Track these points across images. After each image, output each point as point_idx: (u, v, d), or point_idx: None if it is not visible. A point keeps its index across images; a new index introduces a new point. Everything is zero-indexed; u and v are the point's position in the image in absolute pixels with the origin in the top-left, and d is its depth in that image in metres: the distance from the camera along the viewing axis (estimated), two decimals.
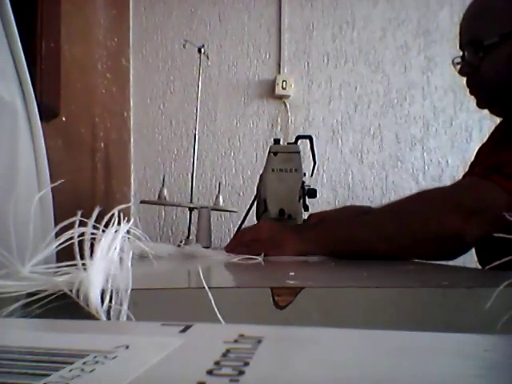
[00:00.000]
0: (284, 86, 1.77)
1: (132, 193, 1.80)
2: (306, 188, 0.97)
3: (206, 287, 0.27)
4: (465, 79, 0.86)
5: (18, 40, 0.72)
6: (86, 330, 0.20)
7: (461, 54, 0.85)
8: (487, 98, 0.84)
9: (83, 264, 0.26)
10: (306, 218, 1.03)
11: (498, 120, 0.89)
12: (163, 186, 1.35)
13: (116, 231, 0.29)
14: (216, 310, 0.25)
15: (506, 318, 0.24)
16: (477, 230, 0.68)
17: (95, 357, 0.15)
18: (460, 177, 0.91)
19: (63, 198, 0.82)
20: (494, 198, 0.68)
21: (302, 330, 0.20)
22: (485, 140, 0.92)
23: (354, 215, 0.87)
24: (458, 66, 0.85)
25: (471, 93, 0.86)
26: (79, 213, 0.28)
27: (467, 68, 0.83)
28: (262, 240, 0.78)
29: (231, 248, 0.79)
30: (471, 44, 0.81)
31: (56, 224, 0.30)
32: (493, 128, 0.91)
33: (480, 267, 0.85)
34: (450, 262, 0.81)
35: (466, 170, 0.94)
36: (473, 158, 0.94)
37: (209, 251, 0.69)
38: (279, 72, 1.81)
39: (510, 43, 0.77)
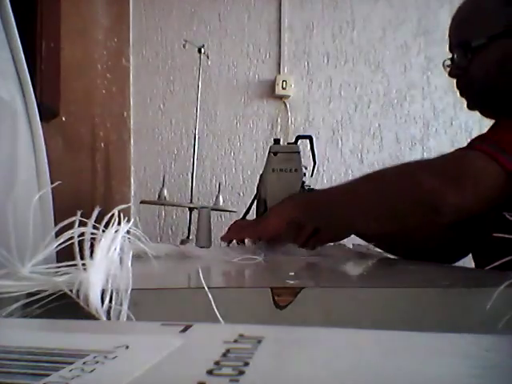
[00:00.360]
0: (284, 86, 1.77)
1: (132, 193, 1.80)
2: (306, 188, 0.97)
3: (206, 287, 0.27)
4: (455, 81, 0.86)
5: (18, 40, 0.72)
6: (86, 330, 0.20)
7: (451, 56, 0.85)
8: (477, 99, 0.84)
9: (83, 264, 0.26)
10: None
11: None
12: (163, 186, 1.35)
13: (116, 231, 0.29)
14: (216, 310, 0.25)
15: (506, 318, 0.24)
16: (458, 196, 0.64)
17: (95, 357, 0.15)
18: None
19: (63, 198, 0.82)
20: (477, 164, 0.65)
21: (302, 330, 0.20)
22: None
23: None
24: (448, 69, 0.86)
25: (461, 95, 0.86)
26: (79, 213, 0.28)
27: (456, 70, 0.83)
28: (247, 224, 0.82)
29: (225, 238, 0.82)
30: (460, 46, 0.82)
31: (56, 224, 0.30)
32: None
33: None
34: None
35: None
36: None
37: (204, 251, 0.69)
38: (279, 72, 1.81)
39: (498, 44, 0.77)
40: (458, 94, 0.87)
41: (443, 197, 0.64)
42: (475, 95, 0.84)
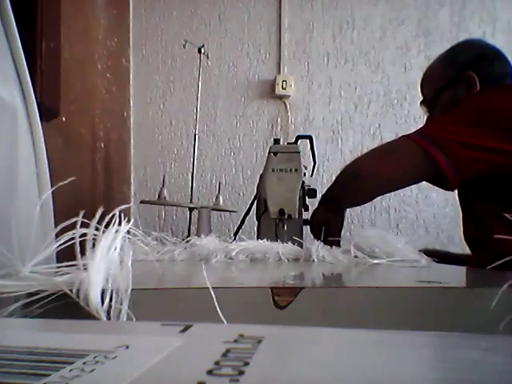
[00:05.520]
0: (284, 86, 1.77)
1: (132, 193, 1.80)
2: (306, 188, 0.97)
3: (210, 286, 0.27)
4: None
5: (18, 40, 0.72)
6: (86, 330, 0.20)
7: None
8: None
9: (83, 264, 0.26)
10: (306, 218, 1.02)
11: None
12: (163, 186, 1.35)
13: (116, 231, 0.29)
14: (218, 309, 0.25)
15: (507, 319, 0.24)
16: (379, 167, 0.90)
17: (95, 357, 0.15)
18: None
19: (63, 198, 0.82)
20: (404, 147, 0.91)
21: (302, 329, 0.20)
22: None
23: None
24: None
25: None
26: (81, 213, 0.28)
27: (429, 118, 1.08)
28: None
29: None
30: (421, 102, 1.09)
31: (56, 224, 0.30)
32: None
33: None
34: None
35: None
36: None
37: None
38: (279, 72, 1.81)
39: (444, 94, 1.01)
40: None
41: (366, 166, 0.91)
42: None
